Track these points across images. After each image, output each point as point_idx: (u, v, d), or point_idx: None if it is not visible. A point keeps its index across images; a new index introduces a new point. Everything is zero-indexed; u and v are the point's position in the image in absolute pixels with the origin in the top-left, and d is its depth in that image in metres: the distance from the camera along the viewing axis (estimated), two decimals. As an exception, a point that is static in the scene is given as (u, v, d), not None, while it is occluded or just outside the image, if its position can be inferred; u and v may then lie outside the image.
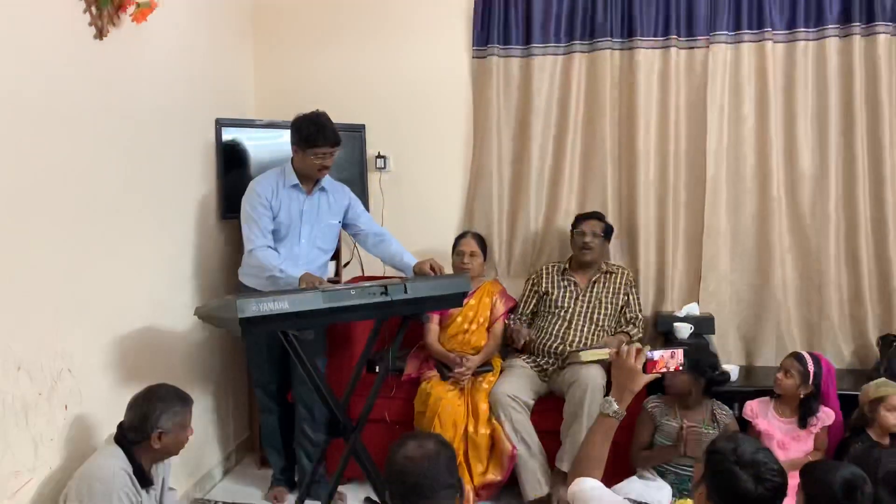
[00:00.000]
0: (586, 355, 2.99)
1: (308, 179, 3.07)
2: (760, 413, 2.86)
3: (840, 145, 3.51)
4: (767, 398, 2.90)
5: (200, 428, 3.26)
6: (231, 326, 2.39)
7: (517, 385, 3.11)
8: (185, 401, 2.36)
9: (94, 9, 2.43)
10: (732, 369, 3.18)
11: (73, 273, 2.41)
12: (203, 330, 3.24)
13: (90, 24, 2.45)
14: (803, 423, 2.77)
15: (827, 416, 2.78)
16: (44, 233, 2.28)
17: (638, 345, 1.78)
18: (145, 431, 2.25)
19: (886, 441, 2.66)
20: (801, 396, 2.77)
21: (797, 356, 2.81)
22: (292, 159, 3.07)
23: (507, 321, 3.41)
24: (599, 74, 3.64)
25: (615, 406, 1.76)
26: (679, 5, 3.55)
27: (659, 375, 1.82)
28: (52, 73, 2.29)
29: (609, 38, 3.61)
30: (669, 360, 1.80)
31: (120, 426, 2.31)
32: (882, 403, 2.65)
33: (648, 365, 1.77)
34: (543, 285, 3.48)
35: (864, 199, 3.49)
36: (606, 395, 2.92)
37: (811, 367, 2.75)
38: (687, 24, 3.57)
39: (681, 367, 1.82)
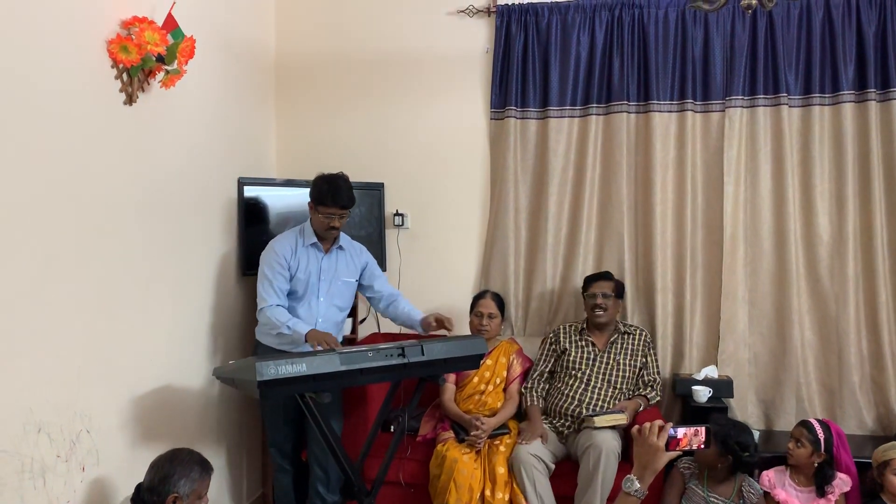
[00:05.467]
0: (600, 420, 3.00)
1: (325, 238, 3.11)
2: (777, 483, 2.82)
3: (857, 207, 3.51)
4: (783, 467, 2.86)
5: (214, 485, 3.20)
6: (249, 389, 2.39)
7: (541, 445, 3.06)
8: (205, 469, 2.35)
9: (125, 76, 2.50)
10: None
11: (94, 333, 2.44)
12: (219, 387, 3.25)
13: (120, 91, 2.51)
14: (821, 492, 2.73)
15: (844, 482, 2.74)
16: (68, 294, 2.30)
17: (660, 422, 1.76)
18: (162, 494, 2.24)
19: None
20: (815, 465, 2.73)
21: (805, 424, 2.79)
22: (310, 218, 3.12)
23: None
24: (615, 135, 3.67)
25: (637, 485, 1.73)
26: (695, 71, 3.60)
27: (681, 453, 1.79)
28: (81, 137, 2.35)
29: (625, 102, 3.65)
30: (693, 437, 1.78)
31: (138, 488, 2.30)
32: (888, 467, 2.63)
33: (672, 443, 1.75)
34: (562, 344, 3.45)
35: (882, 261, 3.46)
36: (622, 460, 2.93)
37: (821, 434, 2.72)
38: (703, 88, 3.61)
39: (703, 446, 1.80)
